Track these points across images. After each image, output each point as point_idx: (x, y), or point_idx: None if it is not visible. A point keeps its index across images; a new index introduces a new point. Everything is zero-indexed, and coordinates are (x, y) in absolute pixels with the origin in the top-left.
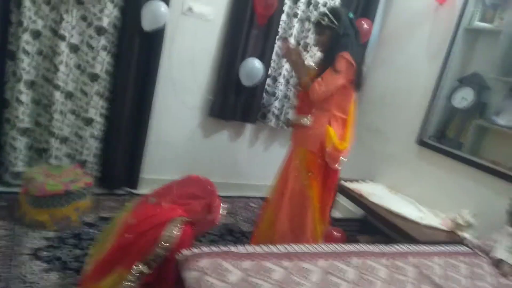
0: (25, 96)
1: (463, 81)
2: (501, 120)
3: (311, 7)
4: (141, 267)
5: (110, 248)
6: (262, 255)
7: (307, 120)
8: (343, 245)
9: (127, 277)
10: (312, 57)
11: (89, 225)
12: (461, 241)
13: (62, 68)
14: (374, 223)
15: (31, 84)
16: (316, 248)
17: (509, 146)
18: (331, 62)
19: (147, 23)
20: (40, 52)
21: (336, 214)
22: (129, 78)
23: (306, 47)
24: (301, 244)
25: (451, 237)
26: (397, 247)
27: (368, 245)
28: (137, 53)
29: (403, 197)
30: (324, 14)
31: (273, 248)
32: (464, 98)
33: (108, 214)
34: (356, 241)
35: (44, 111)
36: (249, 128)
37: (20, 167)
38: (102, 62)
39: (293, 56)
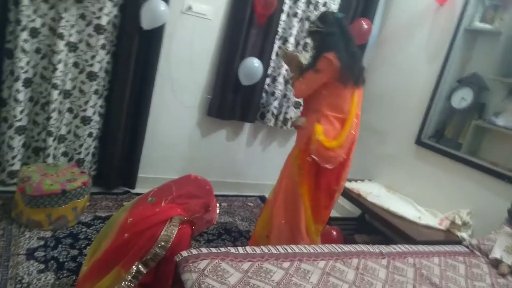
0: (23, 94)
1: (462, 82)
2: (500, 121)
3: (311, 6)
4: (139, 266)
5: (107, 247)
6: (262, 256)
7: (303, 120)
8: (342, 246)
9: (125, 277)
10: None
11: (85, 225)
12: (459, 241)
13: (60, 66)
14: (372, 223)
15: (29, 83)
16: (315, 249)
17: (508, 146)
18: (316, 62)
19: (147, 22)
20: (38, 51)
21: (333, 213)
22: (128, 77)
23: (305, 47)
24: (298, 243)
25: (448, 237)
26: (396, 247)
27: (367, 246)
28: (136, 52)
29: (401, 196)
30: (313, 22)
31: (272, 249)
32: (463, 98)
33: (105, 213)
34: (353, 240)
35: (41, 110)
36: (247, 127)
37: (16, 166)
38: (100, 61)
39: (285, 59)
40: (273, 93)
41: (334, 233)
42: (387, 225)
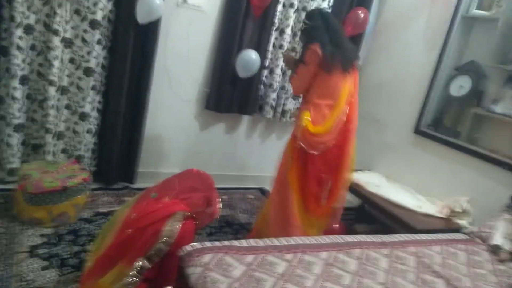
0: (20, 92)
1: (460, 70)
2: (498, 108)
3: None
4: (143, 262)
5: (111, 243)
6: (265, 248)
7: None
8: (344, 237)
9: (128, 272)
10: None
11: (87, 221)
12: (458, 229)
13: (56, 63)
14: (371, 212)
15: (25, 80)
16: (318, 240)
17: (506, 134)
18: (303, 55)
19: (142, 16)
20: (33, 48)
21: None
22: (125, 72)
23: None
24: (290, 234)
25: (448, 225)
26: (398, 236)
27: (369, 236)
28: (132, 46)
29: (400, 186)
30: (303, 21)
31: (276, 241)
32: (462, 86)
33: (105, 209)
34: (353, 230)
35: (39, 107)
36: (246, 120)
37: (15, 163)
38: (97, 56)
39: (285, 62)
40: (270, 85)
41: (337, 225)
42: (387, 214)
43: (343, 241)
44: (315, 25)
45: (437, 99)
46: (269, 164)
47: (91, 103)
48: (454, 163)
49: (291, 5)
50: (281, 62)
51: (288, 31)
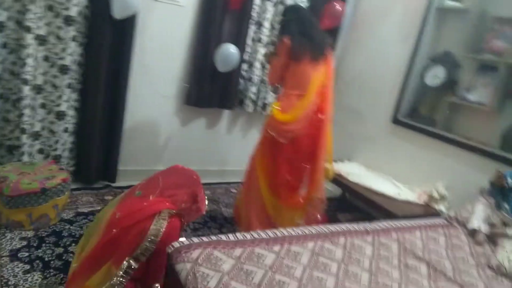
0: None
1: (435, 60)
2: (472, 97)
3: None
4: (130, 262)
5: (96, 244)
6: (252, 241)
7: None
8: (329, 226)
9: (116, 272)
10: None
11: (68, 222)
12: (437, 214)
13: (29, 61)
14: (352, 201)
15: None
16: (303, 231)
17: (480, 121)
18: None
19: (118, 11)
20: (5, 46)
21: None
22: (101, 68)
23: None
24: (252, 226)
25: (427, 211)
26: (381, 224)
27: (352, 225)
28: (109, 42)
29: (380, 174)
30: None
31: (262, 234)
32: (436, 76)
33: (86, 209)
34: (337, 219)
35: (13, 107)
36: (226, 114)
37: None
38: (72, 54)
39: (266, 60)
40: (250, 79)
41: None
42: (369, 202)
43: (327, 231)
44: (288, 19)
45: (413, 89)
46: None
47: (67, 101)
48: (431, 151)
49: None
50: (259, 56)
51: (267, 24)
